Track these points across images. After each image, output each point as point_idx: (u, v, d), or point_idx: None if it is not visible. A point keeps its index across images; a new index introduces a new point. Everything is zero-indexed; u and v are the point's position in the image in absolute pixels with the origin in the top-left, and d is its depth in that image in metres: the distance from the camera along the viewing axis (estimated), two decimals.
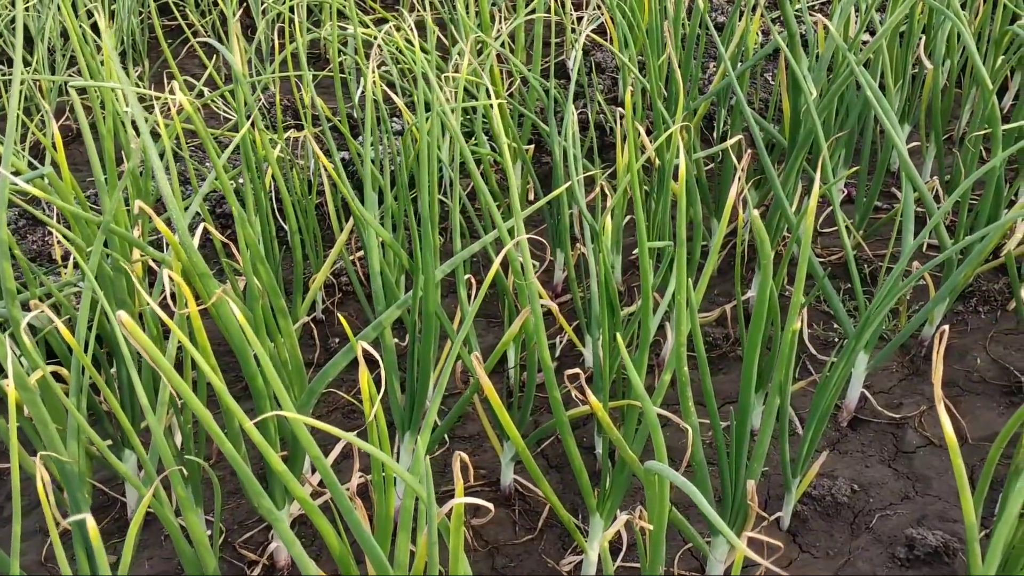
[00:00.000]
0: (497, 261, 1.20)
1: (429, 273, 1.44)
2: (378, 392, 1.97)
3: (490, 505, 1.05)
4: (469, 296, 2.09)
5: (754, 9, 2.18)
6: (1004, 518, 0.94)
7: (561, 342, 2.08)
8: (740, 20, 2.22)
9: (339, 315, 2.19)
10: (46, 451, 1.27)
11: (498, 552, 1.64)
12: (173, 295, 1.89)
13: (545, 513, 1.68)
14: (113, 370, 1.73)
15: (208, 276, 1.32)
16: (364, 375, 1.22)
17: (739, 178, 1.34)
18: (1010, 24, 2.17)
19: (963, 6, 2.81)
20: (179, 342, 1.48)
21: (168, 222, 1.95)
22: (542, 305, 1.96)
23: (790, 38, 1.68)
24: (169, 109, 1.65)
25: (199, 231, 1.50)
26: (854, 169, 1.89)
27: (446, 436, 1.87)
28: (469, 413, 1.91)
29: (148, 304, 1.09)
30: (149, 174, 1.99)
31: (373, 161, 2.26)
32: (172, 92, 1.47)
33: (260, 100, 2.67)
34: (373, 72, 1.81)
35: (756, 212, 1.09)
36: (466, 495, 1.74)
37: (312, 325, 2.12)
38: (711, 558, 1.49)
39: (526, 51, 2.85)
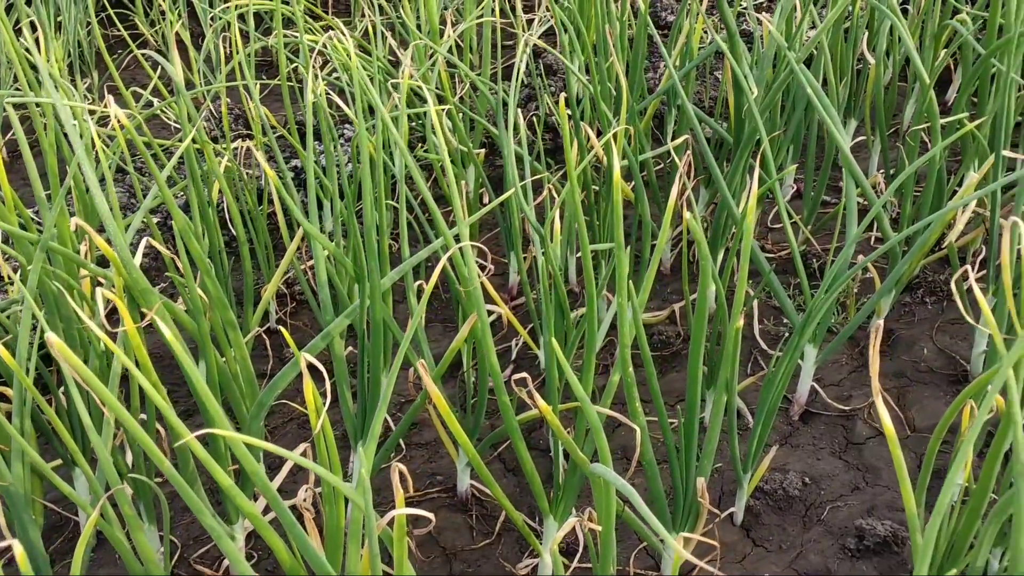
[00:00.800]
0: (439, 267, 1.20)
1: (375, 281, 1.44)
2: (334, 402, 1.96)
3: (431, 515, 1.05)
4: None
5: (704, 8, 2.20)
6: (936, 509, 0.95)
7: (517, 344, 2.09)
8: (687, 19, 2.24)
9: (284, 327, 2.18)
10: None
11: (455, 558, 1.64)
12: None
13: (502, 517, 1.69)
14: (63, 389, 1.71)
15: (149, 292, 1.31)
16: (308, 388, 1.22)
17: (680, 177, 1.35)
18: (949, 18, 2.21)
19: (907, 1, 2.86)
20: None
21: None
22: (494, 309, 1.96)
23: (730, 38, 1.70)
24: (117, 121, 1.64)
25: (142, 246, 1.49)
26: (792, 168, 1.91)
27: (403, 443, 1.86)
28: (425, 419, 1.91)
29: (88, 322, 1.08)
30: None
31: (325, 169, 2.25)
32: (113, 105, 1.45)
33: (208, 110, 2.65)
34: (317, 80, 1.80)
35: (690, 214, 1.10)
36: (422, 502, 1.75)
37: (266, 336, 2.11)
38: (665, 556, 1.50)
39: (479, 53, 2.85)
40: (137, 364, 1.28)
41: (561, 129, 2.61)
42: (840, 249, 1.80)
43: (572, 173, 1.22)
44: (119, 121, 1.41)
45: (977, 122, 1.68)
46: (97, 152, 2.00)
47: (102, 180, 2.08)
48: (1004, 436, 1.14)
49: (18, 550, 0.89)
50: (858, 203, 2.18)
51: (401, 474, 1.10)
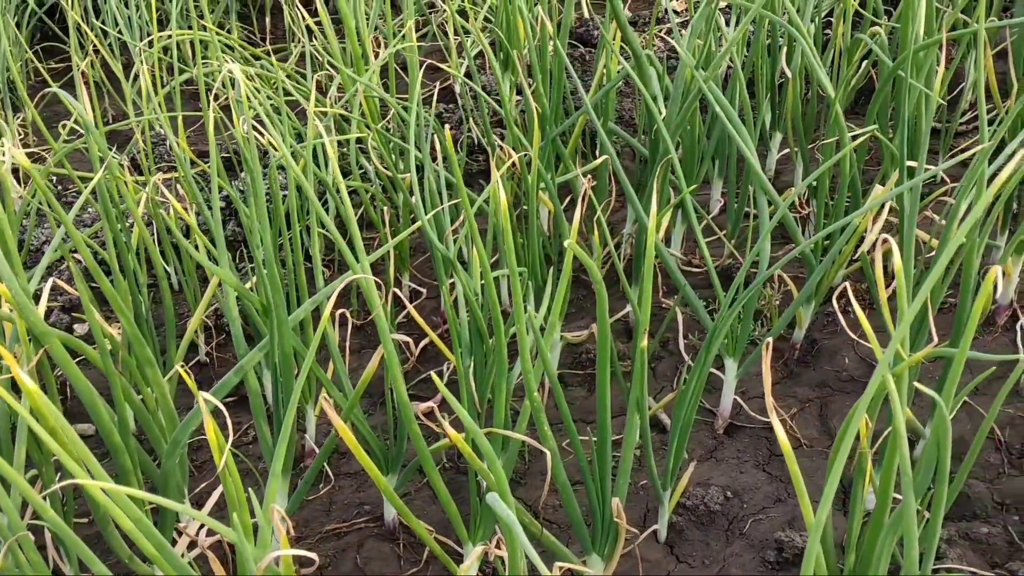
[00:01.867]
0: (331, 302, 1.20)
1: (281, 314, 1.43)
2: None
3: (314, 556, 1.05)
4: (345, 332, 2.09)
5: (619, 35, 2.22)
6: (816, 524, 0.96)
7: (448, 369, 2.09)
8: (614, 39, 2.26)
9: (212, 360, 2.16)
10: None
11: None
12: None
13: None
14: None
15: (48, 335, 1.30)
16: (211, 429, 1.21)
17: (584, 199, 1.36)
18: (869, 30, 2.24)
19: (830, 14, 2.91)
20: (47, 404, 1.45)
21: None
22: (412, 338, 1.96)
23: (636, 61, 1.72)
24: (22, 164, 1.63)
25: (47, 287, 1.47)
26: (694, 187, 1.93)
27: (331, 473, 1.86)
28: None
29: None
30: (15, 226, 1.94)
31: (245, 200, 2.24)
32: (8, 144, 1.44)
33: (138, 143, 2.63)
34: (233, 110, 1.80)
35: (572, 241, 1.11)
36: (349, 533, 1.74)
37: (185, 372, 2.09)
38: None
39: (411, 80, 2.86)
40: (34, 410, 1.26)
41: (490, 149, 2.62)
42: (757, 263, 1.82)
43: (467, 205, 1.23)
44: (23, 165, 1.40)
45: (868, 130, 1.71)
46: (12, 191, 1.98)
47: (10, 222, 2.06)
48: (894, 446, 1.16)
49: None
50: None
51: (282, 517, 1.09)
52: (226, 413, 1.24)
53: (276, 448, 1.16)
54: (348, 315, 1.97)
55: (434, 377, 1.10)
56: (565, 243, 1.08)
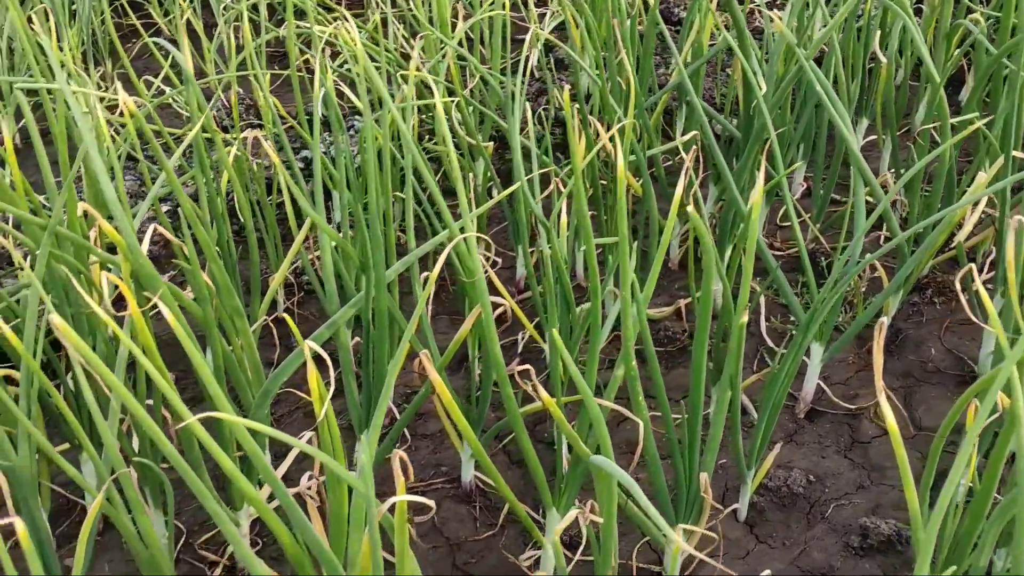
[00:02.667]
0: (442, 257, 1.20)
1: (380, 272, 1.44)
2: (339, 391, 1.97)
3: (431, 503, 1.05)
4: (430, 294, 2.10)
5: (719, 7, 2.19)
6: (937, 508, 0.95)
7: (523, 338, 2.09)
8: (698, 16, 2.23)
9: (291, 316, 2.19)
10: None
11: (459, 548, 1.64)
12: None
13: (506, 509, 1.69)
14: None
15: (155, 278, 1.31)
16: (313, 377, 1.22)
17: (686, 172, 1.35)
18: (964, 18, 2.19)
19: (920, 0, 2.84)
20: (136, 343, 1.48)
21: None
22: (500, 302, 1.97)
23: (739, 34, 1.69)
24: (126, 109, 1.66)
25: (149, 232, 1.49)
26: (799, 164, 1.90)
27: (408, 435, 1.87)
28: (430, 411, 1.92)
29: (95, 306, 1.09)
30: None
31: (334, 160, 2.26)
32: (122, 91, 1.46)
33: (220, 100, 2.66)
34: (327, 70, 1.80)
35: (692, 209, 1.10)
36: (426, 493, 1.75)
37: (273, 325, 2.12)
38: (667, 551, 1.50)
39: (490, 47, 2.85)
40: (144, 350, 1.28)
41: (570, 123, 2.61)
42: (848, 247, 1.79)
43: (577, 166, 1.22)
44: (127, 109, 1.41)
45: (983, 121, 1.67)
46: (108, 140, 2.01)
47: (112, 169, 2.10)
48: (1008, 436, 1.14)
49: (20, 527, 0.90)
50: (868, 203, 2.18)
51: (402, 461, 1.10)
52: (329, 362, 1.25)
53: (381, 400, 1.16)
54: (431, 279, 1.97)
55: (556, 338, 1.10)
56: (689, 209, 1.07)
